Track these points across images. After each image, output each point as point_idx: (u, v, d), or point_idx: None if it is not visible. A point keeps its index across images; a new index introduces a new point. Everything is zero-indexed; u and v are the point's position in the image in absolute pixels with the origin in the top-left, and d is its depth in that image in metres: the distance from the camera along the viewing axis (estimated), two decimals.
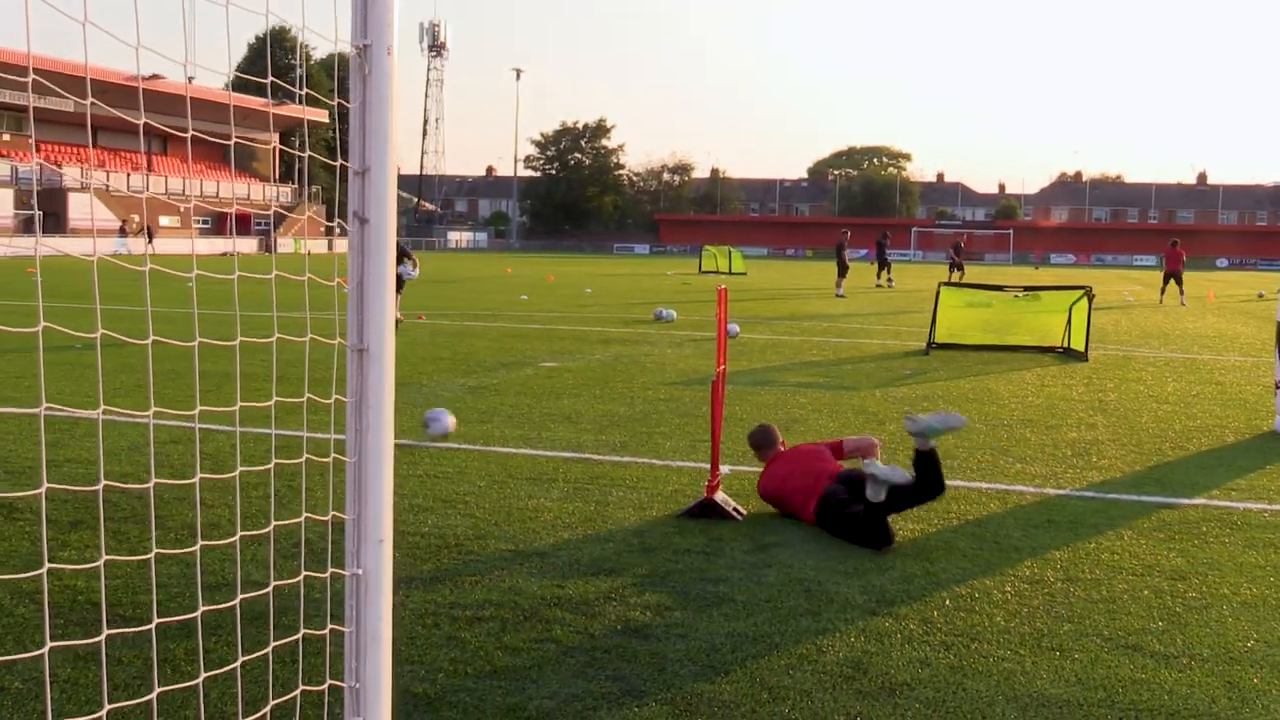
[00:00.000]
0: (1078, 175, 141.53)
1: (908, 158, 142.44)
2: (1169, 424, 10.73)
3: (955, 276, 36.94)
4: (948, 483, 6.72)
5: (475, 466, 8.05)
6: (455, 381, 12.52)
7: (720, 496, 6.88)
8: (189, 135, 2.84)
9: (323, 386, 3.15)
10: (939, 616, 5.16)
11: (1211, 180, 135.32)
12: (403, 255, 18.75)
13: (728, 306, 7.27)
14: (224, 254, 58.83)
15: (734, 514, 6.80)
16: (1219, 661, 4.67)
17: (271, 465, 2.86)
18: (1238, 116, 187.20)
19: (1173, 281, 33.13)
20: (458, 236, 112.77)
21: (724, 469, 7.15)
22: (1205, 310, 30.48)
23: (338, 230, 2.86)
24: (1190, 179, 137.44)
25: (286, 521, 3.82)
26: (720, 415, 7.01)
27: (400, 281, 18.85)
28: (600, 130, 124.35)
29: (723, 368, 7.16)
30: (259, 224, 77.09)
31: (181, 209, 66.63)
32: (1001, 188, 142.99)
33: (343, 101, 2.77)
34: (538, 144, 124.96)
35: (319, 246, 70.04)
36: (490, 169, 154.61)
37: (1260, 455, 9.28)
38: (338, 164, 2.84)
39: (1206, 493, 7.82)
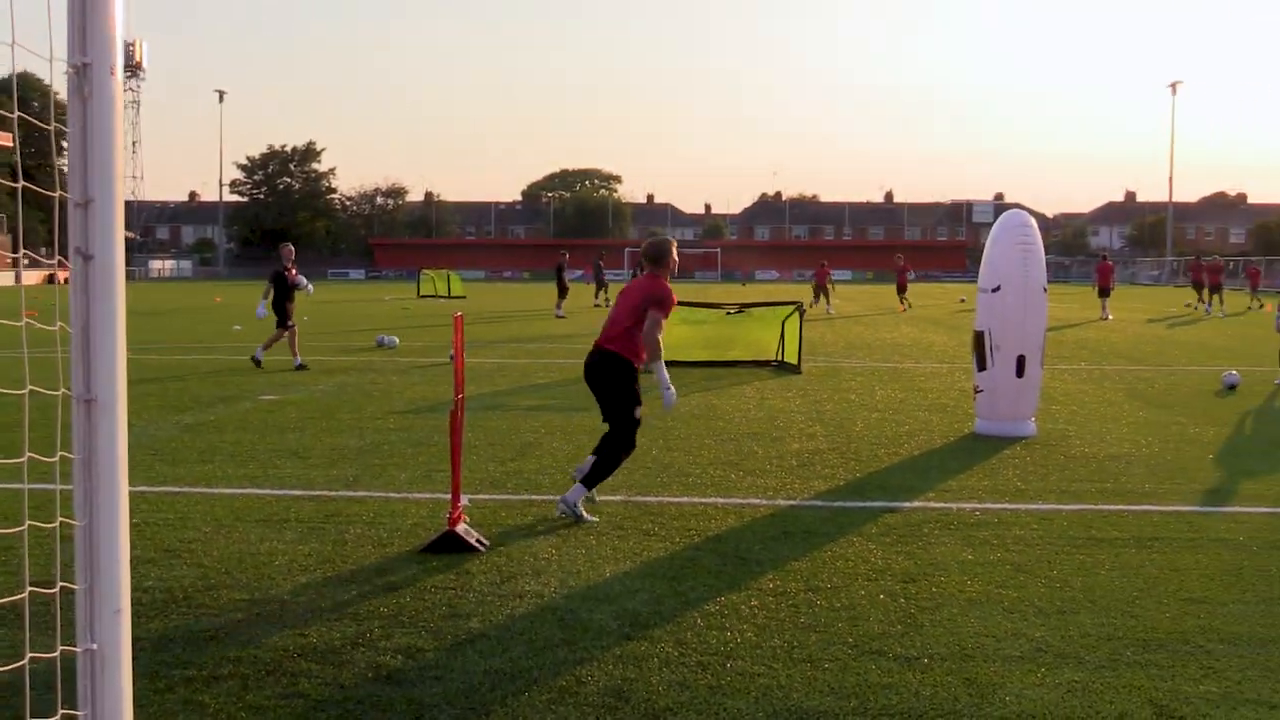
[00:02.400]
0: (778, 195, 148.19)
1: (618, 180, 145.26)
2: (881, 430, 11.31)
3: (596, 294, 39.98)
4: (685, 499, 7.07)
5: (199, 511, 7.57)
6: (169, 419, 11.77)
7: (462, 528, 6.73)
8: None
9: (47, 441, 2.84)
10: (692, 637, 5.19)
11: (897, 199, 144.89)
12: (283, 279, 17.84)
13: (463, 333, 7.14)
14: None
15: (478, 545, 6.66)
16: (955, 659, 4.90)
17: None
18: (919, 138, 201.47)
19: (822, 296, 39.34)
20: (160, 265, 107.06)
21: (464, 499, 7.00)
22: (900, 320, 32.51)
23: (56, 264, 2.60)
24: (879, 198, 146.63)
25: (9, 599, 3.44)
26: (460, 444, 6.85)
27: (288, 322, 17.68)
28: (310, 153, 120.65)
29: (461, 396, 7.02)
30: None
31: None
32: (708, 208, 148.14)
33: (60, 125, 2.51)
34: (244, 168, 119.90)
35: (4, 279, 65.01)
36: (194, 194, 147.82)
37: (966, 456, 9.91)
38: (19, 186, 2.56)
39: (923, 495, 8.27)
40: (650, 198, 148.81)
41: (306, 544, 6.75)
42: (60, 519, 2.57)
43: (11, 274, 65.48)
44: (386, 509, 7.70)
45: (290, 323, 17.63)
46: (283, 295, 17.70)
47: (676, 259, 7.85)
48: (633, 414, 7.61)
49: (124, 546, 2.56)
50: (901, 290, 39.36)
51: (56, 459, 2.54)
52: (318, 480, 8.63)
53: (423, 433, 10.95)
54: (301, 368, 17.16)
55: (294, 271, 17.91)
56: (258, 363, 17.35)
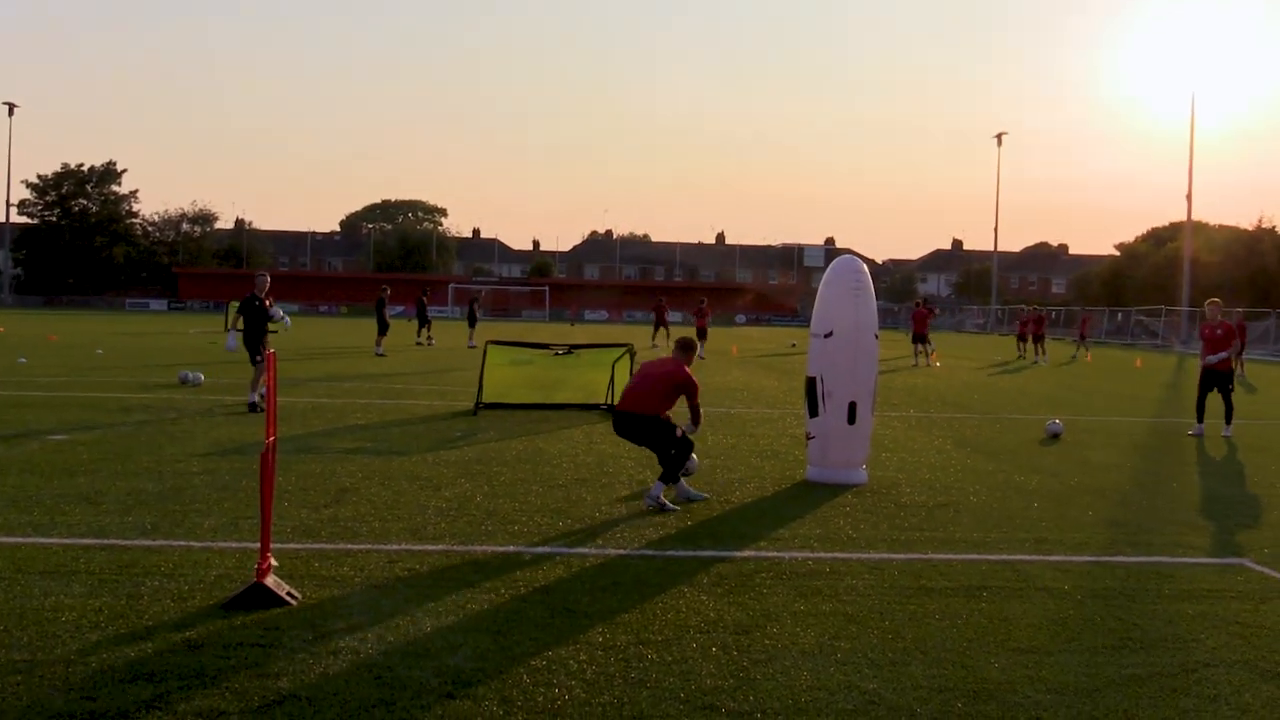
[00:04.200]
0: (608, 233, 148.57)
1: (444, 213, 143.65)
2: (713, 477, 11.21)
3: (470, 333, 40.20)
4: (511, 548, 6.92)
5: None
6: None
7: (272, 580, 6.30)
8: None
9: None
10: (518, 694, 4.91)
11: (729, 240, 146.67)
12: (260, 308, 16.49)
13: (276, 371, 6.71)
14: None
15: (288, 598, 6.24)
16: (789, 714, 4.77)
17: None
18: (750, 180, 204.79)
19: (662, 329, 40.87)
20: None
21: (272, 556, 6.55)
22: (731, 364, 32.81)
23: None
24: (710, 239, 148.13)
25: None
26: (271, 490, 6.42)
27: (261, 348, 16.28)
28: (109, 174, 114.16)
29: (273, 439, 6.58)
30: None
31: None
32: (536, 244, 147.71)
33: None
34: (34, 187, 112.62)
35: None
36: None
37: (797, 504, 9.88)
38: None
39: (755, 544, 8.16)
40: (476, 232, 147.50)
41: (97, 598, 6.20)
42: None
43: None
44: (188, 559, 7.17)
45: (259, 358, 16.36)
46: (258, 327, 16.52)
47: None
48: (675, 437, 9.49)
49: None
50: (701, 335, 38.63)
51: None
52: (111, 528, 8.00)
53: (229, 476, 10.34)
54: (254, 408, 16.01)
55: (269, 302, 16.74)
56: (253, 407, 16.06)
